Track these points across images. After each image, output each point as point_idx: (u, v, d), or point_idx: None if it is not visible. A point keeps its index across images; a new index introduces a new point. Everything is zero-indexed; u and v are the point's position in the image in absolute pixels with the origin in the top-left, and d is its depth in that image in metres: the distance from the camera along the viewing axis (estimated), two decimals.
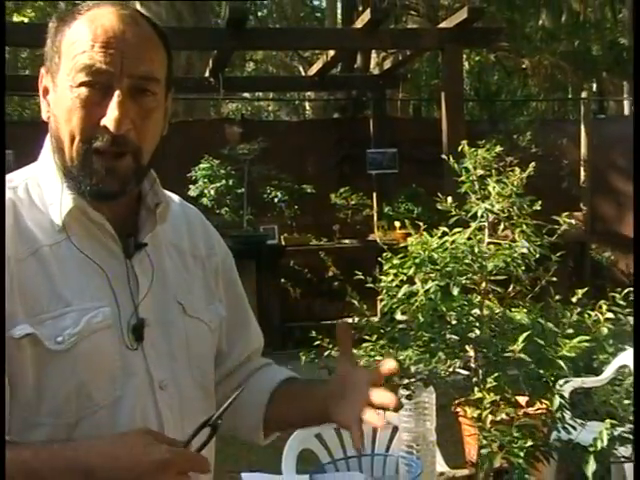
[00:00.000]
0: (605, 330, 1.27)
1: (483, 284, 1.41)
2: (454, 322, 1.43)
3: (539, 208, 1.36)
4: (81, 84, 1.11)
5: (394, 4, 10.18)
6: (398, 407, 1.13)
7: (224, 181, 6.41)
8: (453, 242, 1.42)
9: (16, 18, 13.67)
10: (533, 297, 1.50)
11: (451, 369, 1.43)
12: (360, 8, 11.10)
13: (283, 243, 7.04)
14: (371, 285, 1.63)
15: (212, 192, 6.37)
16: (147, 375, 1.19)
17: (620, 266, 7.86)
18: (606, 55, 10.02)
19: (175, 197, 1.36)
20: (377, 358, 1.47)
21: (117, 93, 1.11)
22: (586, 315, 1.30)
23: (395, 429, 2.44)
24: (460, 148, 1.47)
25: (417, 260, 1.43)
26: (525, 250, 1.34)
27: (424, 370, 1.45)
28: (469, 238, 1.47)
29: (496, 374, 1.23)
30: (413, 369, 1.47)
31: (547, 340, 1.27)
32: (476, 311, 1.42)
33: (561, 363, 1.22)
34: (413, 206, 7.19)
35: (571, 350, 1.22)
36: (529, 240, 1.36)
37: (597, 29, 11.27)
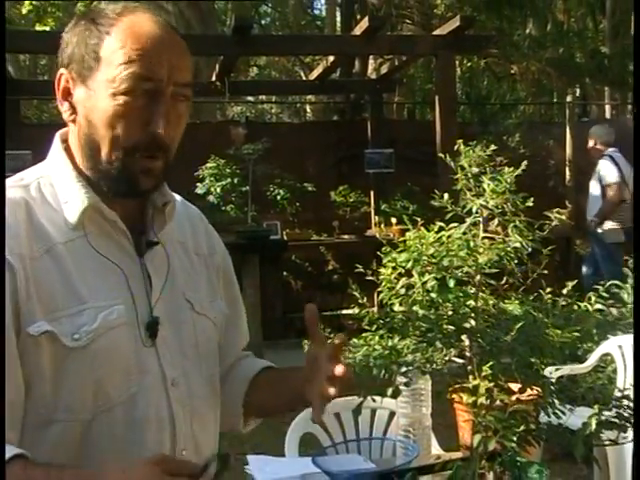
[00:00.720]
0: (594, 320, 1.26)
1: (477, 277, 1.40)
2: (450, 313, 1.41)
3: (531, 204, 1.35)
4: (129, 92, 1.09)
5: (390, 13, 10.15)
6: (397, 393, 1.13)
7: (229, 180, 6.40)
8: (449, 237, 1.41)
9: (38, 27, 13.64)
10: (525, 289, 1.49)
11: (447, 358, 1.42)
12: (358, 16, 11.07)
13: (285, 238, 7.03)
14: (370, 278, 1.62)
15: (218, 190, 6.36)
16: (160, 372, 1.16)
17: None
18: (588, 62, 10.00)
19: (177, 197, 1.33)
20: (376, 347, 1.46)
21: (164, 100, 1.10)
22: (575, 306, 1.29)
23: (392, 414, 2.44)
24: (456, 147, 1.46)
25: (415, 254, 1.42)
26: (518, 244, 1.33)
27: (421, 359, 1.44)
28: (464, 233, 1.45)
29: (491, 362, 1.21)
30: (410, 358, 1.46)
31: (538, 330, 1.26)
32: (471, 303, 1.41)
33: (552, 352, 1.21)
34: (408, 203, 7.18)
35: (562, 339, 1.21)
36: (521, 235, 1.34)
37: (580, 38, 11.25)
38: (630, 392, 1.28)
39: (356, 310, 1.56)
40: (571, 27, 12.73)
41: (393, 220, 6.83)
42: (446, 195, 1.44)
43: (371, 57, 10.86)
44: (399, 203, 7.24)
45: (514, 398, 1.24)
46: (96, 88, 1.10)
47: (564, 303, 1.29)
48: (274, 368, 1.42)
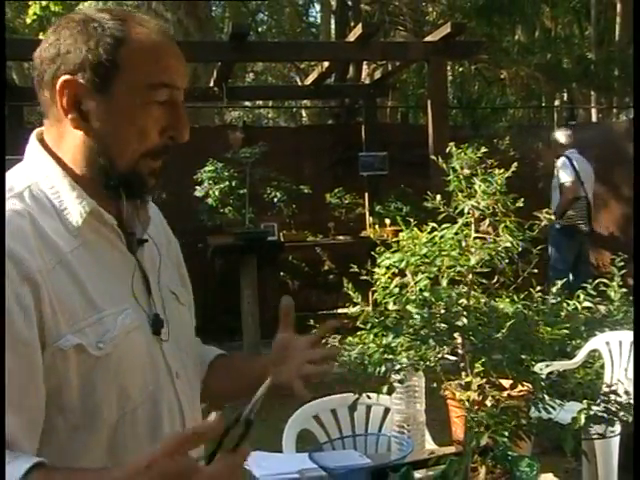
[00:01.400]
0: (582, 317, 1.25)
1: (469, 276, 1.40)
2: (442, 311, 1.41)
3: (521, 205, 1.35)
4: (151, 100, 1.08)
5: (383, 20, 10.16)
6: (391, 390, 1.13)
7: (227, 182, 6.38)
8: (441, 237, 1.40)
9: (42, 36, 13.62)
10: (516, 287, 1.48)
11: (440, 355, 1.41)
12: (352, 23, 11.07)
13: (282, 239, 7.01)
14: (365, 278, 1.61)
15: (216, 193, 6.34)
16: (166, 367, 1.16)
17: (590, 259, 7.85)
18: (575, 68, 10.03)
19: None
20: (371, 345, 1.46)
21: (182, 106, 1.11)
22: (564, 304, 1.29)
23: (387, 410, 2.43)
24: (448, 150, 1.46)
25: (408, 254, 1.41)
26: (508, 244, 1.32)
27: (414, 356, 1.43)
28: (456, 233, 1.45)
29: (482, 359, 1.21)
30: (404, 355, 1.46)
31: (528, 327, 1.25)
32: (463, 301, 1.40)
33: (542, 349, 1.21)
34: (402, 205, 7.17)
35: (551, 336, 1.20)
36: (512, 235, 1.34)
37: (567, 44, 11.29)
38: (618, 387, 1.28)
39: (351, 309, 1.56)
40: (558, 34, 12.77)
41: (387, 221, 6.83)
42: (438, 196, 1.43)
43: (365, 63, 10.87)
44: (393, 205, 7.23)
45: (505, 394, 1.24)
46: (116, 97, 1.07)
47: (553, 301, 1.28)
48: (227, 355, 1.40)
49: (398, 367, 1.43)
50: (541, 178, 7.62)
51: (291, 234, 7.21)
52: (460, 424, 1.51)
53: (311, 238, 7.40)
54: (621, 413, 1.18)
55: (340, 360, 1.51)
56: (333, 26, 13.61)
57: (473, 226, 1.38)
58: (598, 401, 1.24)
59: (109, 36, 1.07)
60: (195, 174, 6.46)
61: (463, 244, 1.35)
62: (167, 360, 1.16)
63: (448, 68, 9.72)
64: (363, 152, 7.70)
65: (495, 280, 1.43)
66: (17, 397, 0.96)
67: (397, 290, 1.45)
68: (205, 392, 1.32)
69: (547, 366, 1.31)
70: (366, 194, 7.85)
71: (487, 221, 1.36)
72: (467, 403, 1.25)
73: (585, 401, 1.19)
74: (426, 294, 1.42)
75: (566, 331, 1.21)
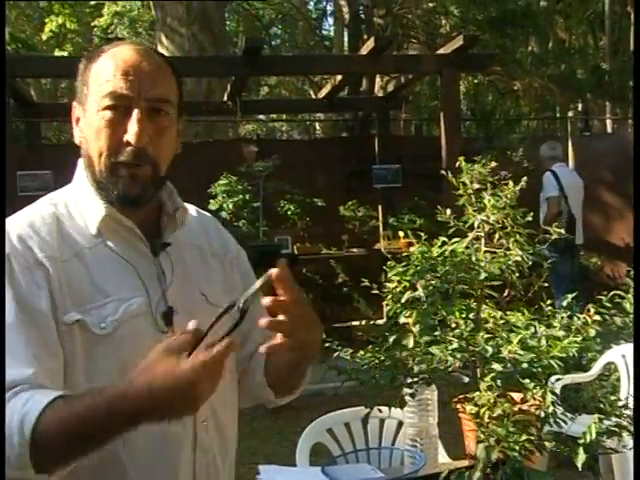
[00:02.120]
0: (593, 332, 1.25)
1: (480, 290, 1.40)
2: (454, 325, 1.42)
3: (530, 219, 1.35)
4: (106, 107, 1.21)
5: (396, 33, 10.20)
6: (403, 404, 1.14)
7: (241, 196, 6.40)
8: (452, 251, 1.41)
9: (57, 52, 13.80)
10: (527, 300, 1.49)
11: (451, 368, 1.41)
12: (365, 36, 11.12)
13: (296, 252, 7.02)
14: (378, 291, 1.62)
15: (230, 206, 6.37)
16: None
17: (606, 271, 7.80)
18: (589, 78, 10.00)
19: (192, 207, 1.45)
20: (382, 359, 1.46)
21: (136, 112, 1.20)
22: (575, 318, 1.29)
23: (401, 424, 2.43)
24: (457, 164, 1.46)
25: (419, 268, 1.42)
26: (519, 258, 1.33)
27: (426, 370, 1.44)
28: (467, 247, 1.46)
29: (492, 374, 1.21)
30: (416, 369, 1.46)
31: (539, 341, 1.25)
32: (474, 315, 1.41)
33: (552, 362, 1.21)
34: (415, 217, 7.16)
35: (562, 350, 1.21)
36: (522, 248, 1.35)
37: (581, 55, 11.26)
38: (629, 401, 1.27)
39: (363, 322, 1.56)
40: (572, 44, 12.75)
41: (401, 234, 6.82)
42: (448, 210, 1.44)
43: (378, 75, 10.91)
44: (406, 217, 7.22)
45: (516, 408, 1.24)
46: (88, 109, 1.24)
47: (564, 314, 1.29)
48: None
49: (410, 381, 1.43)
50: None
51: (305, 247, 7.22)
52: (472, 437, 1.51)
53: (325, 251, 7.41)
54: (632, 427, 1.18)
55: (352, 374, 1.52)
56: (346, 39, 13.69)
57: (483, 240, 1.39)
58: (610, 415, 1.24)
59: (89, 62, 1.26)
60: (209, 187, 6.50)
61: (473, 258, 1.36)
62: None
63: (462, 80, 9.73)
64: (376, 165, 7.71)
65: (506, 293, 1.43)
66: (40, 352, 1.13)
67: (408, 304, 1.45)
68: (270, 377, 1.39)
69: (557, 380, 1.31)
70: (380, 207, 7.85)
71: (497, 235, 1.37)
72: (478, 417, 1.25)
73: (596, 415, 1.19)
74: (437, 308, 1.43)
75: (576, 344, 1.21)
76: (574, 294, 1.38)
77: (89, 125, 1.23)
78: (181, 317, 1.24)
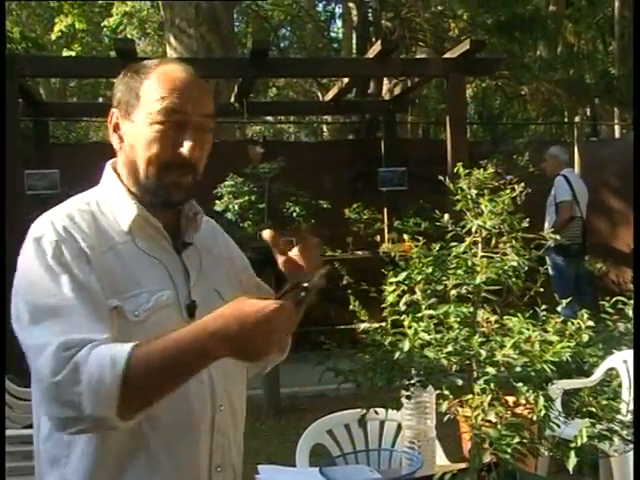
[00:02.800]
0: (586, 337, 1.27)
1: (477, 294, 1.42)
2: (450, 328, 1.43)
3: (527, 225, 1.37)
4: (161, 121, 1.33)
5: (404, 36, 10.22)
6: (399, 406, 1.18)
7: (247, 197, 6.44)
8: (449, 255, 1.43)
9: (66, 52, 13.89)
10: (526, 305, 1.50)
11: (447, 372, 1.43)
12: (373, 39, 11.15)
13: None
14: (378, 294, 1.64)
15: (236, 207, 6.40)
16: None
17: (611, 276, 7.80)
18: (598, 83, 9.98)
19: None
20: (379, 361, 1.48)
21: (190, 128, 1.34)
22: (569, 323, 1.31)
23: (400, 426, 2.44)
24: (455, 170, 1.48)
25: (416, 272, 1.44)
26: (515, 263, 1.35)
27: (423, 372, 1.45)
28: (464, 252, 1.47)
29: (486, 377, 1.23)
30: (413, 371, 1.48)
31: (533, 345, 1.27)
32: (470, 318, 1.42)
33: (545, 367, 1.23)
34: (421, 220, 7.17)
35: (554, 355, 1.22)
36: (518, 254, 1.36)
37: (590, 60, 11.24)
38: (630, 407, 1.29)
39: (365, 325, 1.59)
40: (581, 49, 12.73)
41: (406, 236, 6.81)
42: (447, 215, 1.46)
43: (385, 78, 10.92)
44: (412, 220, 7.24)
45: (510, 411, 1.26)
46: (137, 120, 1.36)
47: (558, 319, 1.30)
48: None
49: (406, 383, 1.45)
50: None
51: None
52: (469, 440, 1.53)
53: (330, 253, 7.42)
54: (624, 432, 1.19)
55: (350, 375, 1.55)
56: (354, 42, 13.71)
57: (480, 245, 1.40)
58: (603, 419, 1.25)
59: (139, 76, 1.38)
60: (215, 188, 6.53)
61: (469, 263, 1.38)
62: None
63: (470, 83, 9.74)
64: (382, 167, 7.73)
65: (503, 298, 1.45)
66: (100, 325, 1.22)
67: (405, 308, 1.47)
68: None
69: (553, 384, 1.33)
70: (385, 209, 7.87)
71: (493, 240, 1.38)
72: (472, 419, 1.27)
73: (587, 419, 1.20)
74: (434, 312, 1.44)
75: (569, 349, 1.23)
76: (568, 299, 1.40)
77: (138, 135, 1.35)
78: (201, 311, 1.35)
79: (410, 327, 1.35)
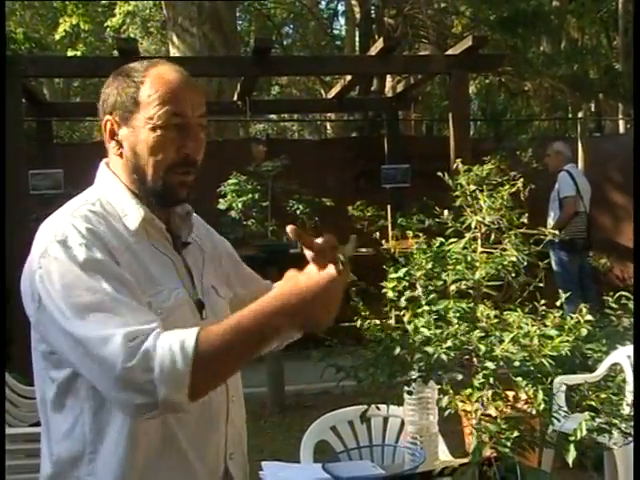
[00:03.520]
0: (585, 331, 1.28)
1: (476, 289, 1.43)
2: (450, 324, 1.44)
3: (525, 221, 1.37)
4: (164, 126, 1.35)
5: (406, 33, 10.20)
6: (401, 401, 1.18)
7: (250, 195, 6.44)
8: (448, 251, 1.44)
9: (70, 52, 13.91)
10: (526, 300, 1.51)
11: (448, 366, 1.44)
12: (376, 36, 11.13)
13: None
14: (384, 290, 1.65)
15: (240, 205, 6.40)
16: None
17: (615, 272, 7.79)
18: (602, 78, 9.95)
19: None
20: (380, 356, 1.49)
21: (193, 129, 1.37)
22: (568, 318, 1.31)
23: (404, 422, 2.45)
24: (455, 166, 1.49)
25: (416, 267, 1.45)
26: (514, 258, 1.35)
27: (424, 367, 1.46)
28: (464, 247, 1.48)
29: (485, 372, 1.24)
30: (414, 367, 1.49)
31: (532, 340, 1.28)
32: (470, 314, 1.43)
33: (544, 361, 1.23)
34: (424, 217, 7.16)
35: (553, 349, 1.23)
36: (517, 249, 1.37)
37: (593, 55, 11.20)
38: (624, 400, 1.29)
39: (359, 322, 1.59)
40: (585, 44, 12.68)
41: (409, 233, 6.81)
42: (446, 212, 1.47)
43: (388, 75, 10.92)
44: (415, 217, 7.23)
45: (509, 406, 1.26)
46: (137, 126, 1.37)
47: (557, 314, 1.31)
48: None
49: (407, 379, 1.46)
50: None
51: None
52: (469, 435, 1.53)
53: None
54: (623, 425, 1.20)
55: (351, 372, 1.56)
56: (357, 39, 13.70)
57: (480, 241, 1.41)
58: (602, 413, 1.26)
59: (133, 81, 1.38)
60: (218, 187, 6.54)
61: (469, 258, 1.38)
62: None
63: (473, 80, 9.72)
64: (385, 165, 7.72)
65: (503, 293, 1.45)
66: (147, 317, 1.24)
67: (405, 303, 1.48)
68: None
69: (553, 376, 1.34)
70: (388, 207, 7.86)
71: (492, 235, 1.39)
72: (472, 414, 1.28)
73: (587, 413, 1.21)
74: (434, 307, 1.45)
75: (567, 344, 1.23)
76: (568, 294, 1.40)
77: (140, 140, 1.37)
78: (205, 307, 1.42)
79: (410, 322, 1.35)
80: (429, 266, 1.39)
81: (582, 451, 1.21)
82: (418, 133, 12.74)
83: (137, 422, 1.27)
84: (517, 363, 1.25)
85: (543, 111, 12.05)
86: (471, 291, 1.49)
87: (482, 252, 1.42)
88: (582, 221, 6.39)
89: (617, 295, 3.69)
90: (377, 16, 12.23)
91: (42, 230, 1.34)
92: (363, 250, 7.51)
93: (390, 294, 1.48)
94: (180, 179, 1.39)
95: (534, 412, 1.27)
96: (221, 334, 1.21)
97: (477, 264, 1.37)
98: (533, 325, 1.30)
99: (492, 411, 1.28)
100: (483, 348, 1.29)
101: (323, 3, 18.35)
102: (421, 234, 1.56)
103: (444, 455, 2.34)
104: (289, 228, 1.39)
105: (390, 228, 7.71)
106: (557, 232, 1.40)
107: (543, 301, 1.39)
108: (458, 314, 1.37)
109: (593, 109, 13.06)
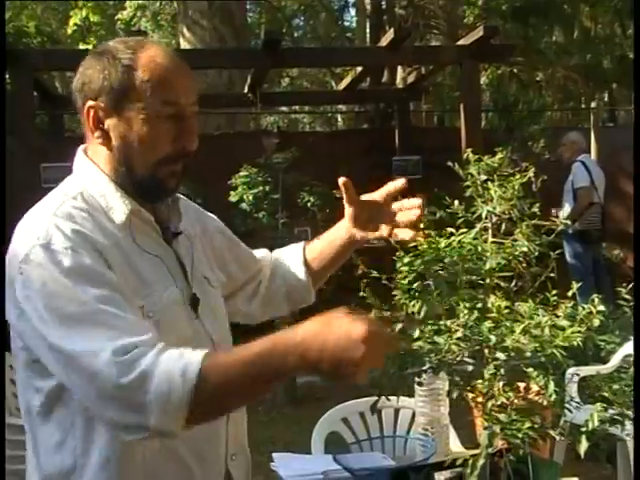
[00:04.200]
0: (597, 322, 1.27)
1: (488, 280, 1.42)
2: (461, 315, 1.43)
3: (537, 210, 1.36)
4: (159, 116, 1.25)
5: (417, 23, 10.15)
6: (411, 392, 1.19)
7: (261, 187, 6.42)
8: (459, 241, 1.43)
9: (82, 45, 13.94)
10: (538, 290, 1.50)
11: (459, 358, 1.43)
12: (387, 27, 11.09)
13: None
14: (386, 283, 1.65)
15: (250, 198, 6.39)
16: (207, 335, 1.34)
17: (629, 262, 7.73)
18: (615, 68, 9.86)
19: None
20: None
21: (190, 118, 1.29)
22: (580, 308, 1.30)
23: (415, 414, 2.45)
24: (465, 156, 1.48)
25: (426, 258, 1.44)
26: (525, 249, 1.34)
27: (434, 359, 1.46)
28: (475, 238, 1.47)
29: (496, 362, 1.23)
30: (427, 360, 1.48)
31: (543, 330, 1.27)
32: (482, 305, 1.42)
33: (555, 352, 1.22)
34: (436, 209, 7.13)
35: (565, 340, 1.22)
36: (529, 239, 1.36)
37: (607, 44, 11.09)
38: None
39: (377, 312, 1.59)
40: (598, 33, 12.56)
41: (420, 225, 6.78)
42: (457, 202, 1.46)
43: (399, 66, 10.86)
44: (426, 209, 7.20)
45: (519, 396, 1.26)
46: (129, 115, 1.26)
47: (569, 305, 1.30)
48: (310, 243, 1.70)
49: (417, 370, 1.45)
50: None
51: None
52: (481, 426, 1.53)
53: None
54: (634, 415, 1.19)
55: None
56: (368, 30, 13.64)
57: (490, 231, 1.40)
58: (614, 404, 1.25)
59: (122, 65, 1.25)
60: (229, 179, 6.54)
61: (479, 249, 1.38)
62: (207, 330, 1.35)
63: (484, 70, 9.66)
64: (397, 156, 7.70)
65: (513, 284, 1.45)
66: (143, 323, 1.18)
67: (417, 294, 1.48)
68: (311, 274, 1.67)
69: (563, 367, 1.33)
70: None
71: (504, 225, 1.38)
72: (484, 405, 1.27)
73: (598, 403, 1.20)
74: (445, 298, 1.45)
75: (579, 334, 1.22)
76: (579, 284, 1.39)
77: (132, 131, 1.26)
78: (200, 301, 1.35)
79: (420, 313, 1.35)
80: (440, 256, 1.39)
81: (594, 442, 1.20)
82: (429, 124, 12.69)
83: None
84: (528, 354, 1.25)
85: (555, 101, 11.96)
86: (481, 282, 1.48)
87: (493, 242, 1.41)
88: (597, 212, 6.35)
89: (630, 286, 3.65)
90: (388, 7, 12.17)
91: (22, 230, 1.23)
92: (375, 242, 7.50)
93: (401, 283, 1.48)
94: (171, 170, 1.29)
95: (545, 403, 1.27)
96: (229, 366, 1.11)
97: (488, 254, 1.36)
98: (544, 316, 1.29)
99: (503, 402, 1.27)
100: (494, 339, 1.29)
101: None
102: (432, 225, 1.55)
103: (455, 446, 2.34)
104: (341, 180, 1.42)
105: None
106: (569, 222, 1.39)
107: (555, 291, 1.38)
108: (469, 304, 1.37)
109: (606, 99, 12.95)
